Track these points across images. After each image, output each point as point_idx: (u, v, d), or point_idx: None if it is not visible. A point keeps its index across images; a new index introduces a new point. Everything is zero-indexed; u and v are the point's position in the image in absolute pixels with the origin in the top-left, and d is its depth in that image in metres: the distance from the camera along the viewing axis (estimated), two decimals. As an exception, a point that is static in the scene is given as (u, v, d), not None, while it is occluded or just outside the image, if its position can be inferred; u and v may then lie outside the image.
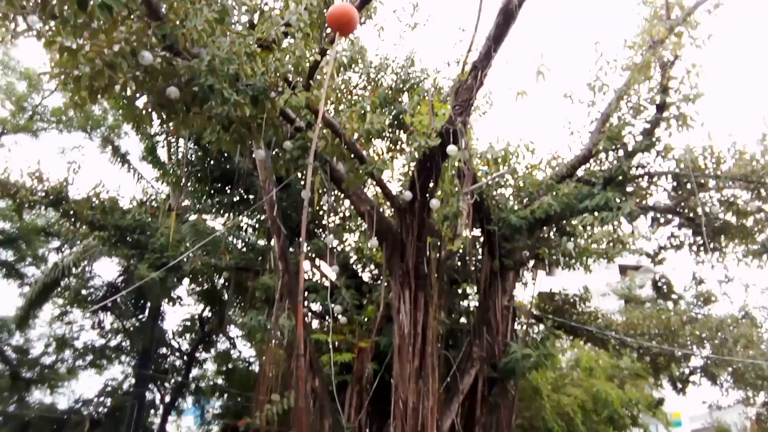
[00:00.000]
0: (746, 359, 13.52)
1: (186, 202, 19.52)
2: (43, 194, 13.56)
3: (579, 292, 15.06)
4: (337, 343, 11.70)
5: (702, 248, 12.29)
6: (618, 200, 10.21)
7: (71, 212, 13.77)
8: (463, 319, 14.36)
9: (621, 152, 11.25)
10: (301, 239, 8.50)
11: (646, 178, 11.90)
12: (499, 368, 11.29)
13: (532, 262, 13.77)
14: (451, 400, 11.09)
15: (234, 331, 25.75)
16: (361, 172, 9.54)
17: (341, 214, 15.30)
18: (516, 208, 11.81)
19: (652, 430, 23.54)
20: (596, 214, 10.45)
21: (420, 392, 9.97)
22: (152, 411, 24.94)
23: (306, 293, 12.95)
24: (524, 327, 14.17)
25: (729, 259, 12.60)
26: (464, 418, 11.45)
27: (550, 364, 18.32)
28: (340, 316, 11.98)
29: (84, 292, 23.15)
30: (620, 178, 11.04)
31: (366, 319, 12.01)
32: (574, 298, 15.21)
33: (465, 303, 15.03)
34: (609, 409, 19.48)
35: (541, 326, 14.35)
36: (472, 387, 11.40)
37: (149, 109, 7.70)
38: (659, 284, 14.66)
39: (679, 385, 15.00)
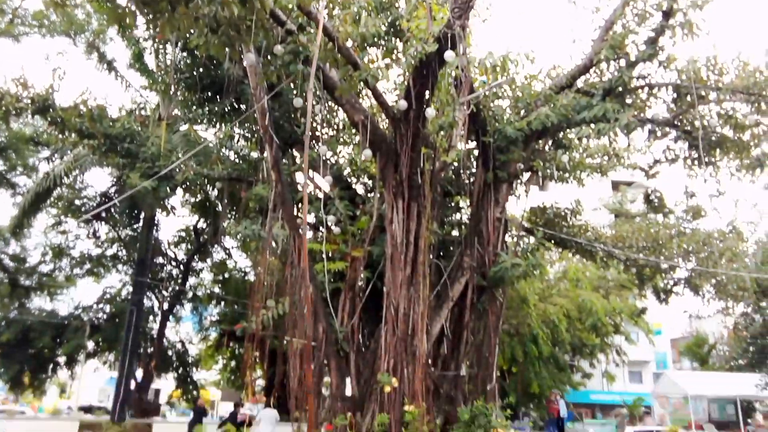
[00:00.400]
0: (729, 271, 13.87)
1: (176, 112, 19.13)
2: (29, 101, 13.16)
3: (571, 205, 15.17)
4: (330, 253, 11.87)
5: (697, 162, 12.27)
6: (616, 112, 10.04)
7: (59, 120, 13.44)
8: (455, 232, 14.55)
9: (623, 62, 10.96)
10: (305, 140, 8.34)
11: (646, 89, 11.67)
12: (489, 277, 11.56)
13: (525, 175, 13.79)
14: (441, 307, 11.45)
15: (229, 242, 26.19)
16: (354, 79, 9.26)
17: (335, 126, 15.06)
18: (512, 119, 11.63)
19: (633, 338, 24.63)
20: (593, 126, 10.32)
21: (411, 299, 10.25)
22: (151, 317, 25.68)
23: (299, 204, 12.98)
24: (515, 238, 14.39)
25: (722, 173, 12.63)
26: (453, 324, 11.87)
27: (538, 274, 18.88)
28: (333, 227, 12.08)
29: (77, 202, 23.19)
30: (620, 89, 10.81)
31: (359, 230, 12.12)
32: (565, 211, 15.35)
33: (457, 216, 15.17)
34: (593, 318, 20.28)
35: (532, 238, 14.57)
36: (461, 294, 11.74)
37: (132, 8, 7.31)
38: (651, 197, 14.75)
39: (663, 296, 15.47)
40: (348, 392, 11.12)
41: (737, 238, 15.04)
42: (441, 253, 12.87)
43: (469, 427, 10.32)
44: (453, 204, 14.80)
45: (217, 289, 27.24)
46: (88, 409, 31.13)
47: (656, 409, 31.13)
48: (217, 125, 14.86)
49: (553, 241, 15.15)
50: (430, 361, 11.01)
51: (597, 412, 38.54)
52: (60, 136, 14.58)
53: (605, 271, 21.63)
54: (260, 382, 26.97)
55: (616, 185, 32.19)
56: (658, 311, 26.10)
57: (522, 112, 11.85)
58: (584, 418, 34.67)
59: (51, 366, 25.34)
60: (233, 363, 30.33)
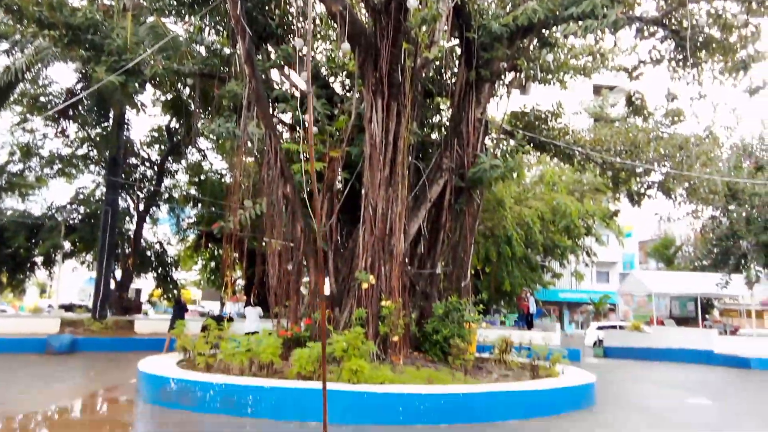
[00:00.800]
0: (703, 175, 14.10)
1: (142, 1, 17.95)
2: (-20, -14, 12.24)
3: (552, 107, 15.01)
4: (307, 153, 11.65)
5: (682, 63, 12.05)
6: (605, 8, 9.63)
7: (15, 8, 12.54)
8: (434, 135, 14.37)
9: (615, -47, 10.37)
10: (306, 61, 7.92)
11: (637, -17, 11.19)
12: (467, 178, 11.57)
13: (509, 76, 13.47)
14: (418, 207, 11.50)
15: (204, 143, 25.65)
16: (332, -36, 8.66)
17: (312, 20, 14.32)
18: (498, 14, 11.13)
19: (603, 239, 25.43)
20: (580, 23, 9.93)
21: (389, 199, 10.24)
22: (127, 218, 25.54)
23: (275, 103, 12.59)
24: (494, 141, 14.31)
25: (705, 76, 12.47)
26: (430, 224, 12.01)
27: (516, 178, 19.02)
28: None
29: (42, 99, 22.19)
30: (610, -18, 10.31)
31: (337, 130, 11.86)
32: (546, 113, 15.22)
33: (437, 118, 14.93)
34: (566, 220, 20.75)
35: (511, 141, 14.51)
36: (439, 195, 11.78)
37: None
38: (633, 99, 14.62)
39: (636, 199, 15.77)
40: (327, 289, 11.36)
41: (713, 143, 15.19)
42: (420, 155, 12.76)
43: (443, 320, 10.74)
44: (433, 105, 14.51)
45: (193, 191, 27.01)
46: (68, 308, 31.63)
47: (621, 306, 32.87)
48: (186, 16, 14.04)
49: (532, 144, 15.12)
50: (406, 260, 11.22)
51: (564, 309, 40.59)
52: (18, 26, 13.70)
53: (581, 174, 21.87)
54: (240, 282, 27.53)
55: (597, 89, 31.87)
56: (628, 215, 26.81)
57: (508, 7, 11.36)
58: (552, 314, 36.51)
59: (28, 266, 25.41)
60: (212, 264, 30.77)
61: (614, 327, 26.17)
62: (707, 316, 27.81)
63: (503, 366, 11.00)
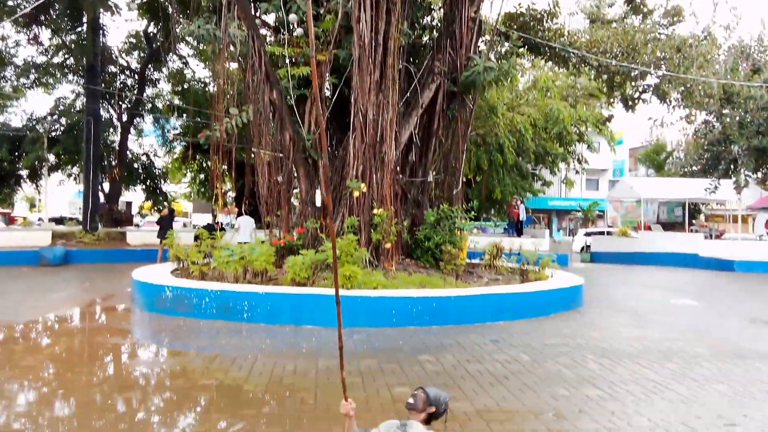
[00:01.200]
0: (699, 77, 13.76)
1: None
2: None
3: (548, 6, 14.35)
4: (293, 57, 11.16)
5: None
6: None
7: None
8: (426, 38, 13.75)
9: None
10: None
11: None
12: (460, 82, 11.19)
13: (503, -29, 12.75)
14: (410, 114, 11.20)
15: (185, 50, 24.61)
16: None
17: None
18: None
19: (595, 146, 25.29)
20: None
21: (380, 105, 9.94)
22: (111, 130, 24.95)
23: (257, 2, 11.90)
24: (489, 43, 13.76)
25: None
26: (422, 131, 11.74)
27: (509, 83, 18.55)
28: (295, 28, 11.19)
29: (11, 2, 20.93)
30: None
31: (323, 31, 11.28)
32: (541, 13, 14.57)
33: (429, 18, 14.24)
34: (558, 126, 20.47)
35: (506, 43, 13.98)
36: (431, 101, 11.43)
37: None
38: (633, -5, 14.00)
39: (630, 103, 15.49)
40: (318, 199, 11.27)
41: (711, 44, 14.73)
42: (411, 58, 12.26)
43: (434, 228, 10.78)
44: (425, 4, 13.79)
45: (177, 101, 26.26)
46: (59, 221, 31.56)
47: (609, 212, 33.30)
48: None
49: (527, 47, 14.59)
50: (398, 168, 11.07)
51: (553, 217, 41.13)
52: None
53: (576, 79, 21.36)
54: (231, 194, 27.40)
55: (594, -12, 30.58)
56: (620, 121, 26.55)
57: None
58: (541, 221, 37.01)
59: (14, 180, 25.09)
60: (201, 176, 30.49)
61: (602, 233, 26.64)
62: (694, 221, 28.26)
63: (494, 271, 11.19)
